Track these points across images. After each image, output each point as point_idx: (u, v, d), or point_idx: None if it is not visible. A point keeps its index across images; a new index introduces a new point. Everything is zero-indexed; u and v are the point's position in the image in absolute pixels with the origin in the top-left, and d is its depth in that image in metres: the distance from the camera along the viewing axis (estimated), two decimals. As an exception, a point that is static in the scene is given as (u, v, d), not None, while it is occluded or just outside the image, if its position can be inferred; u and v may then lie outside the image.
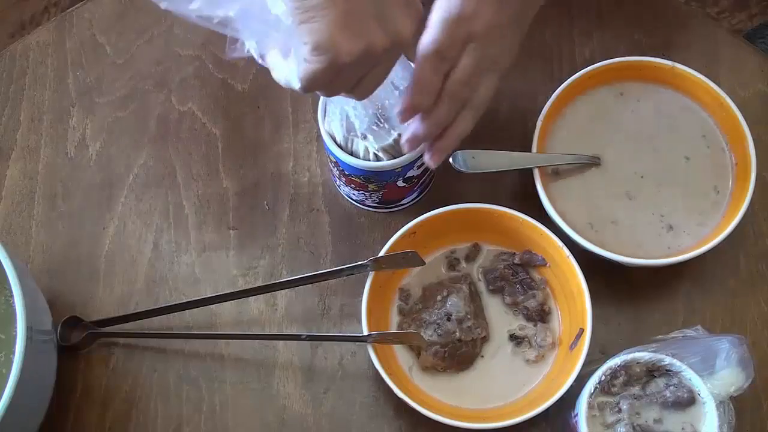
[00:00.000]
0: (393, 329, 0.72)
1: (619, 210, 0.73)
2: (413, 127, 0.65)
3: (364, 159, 0.68)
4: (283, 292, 0.74)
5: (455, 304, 0.70)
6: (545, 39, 0.83)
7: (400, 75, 0.65)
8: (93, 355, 0.73)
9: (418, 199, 0.77)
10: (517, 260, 0.72)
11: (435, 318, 0.70)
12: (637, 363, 0.65)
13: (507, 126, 0.79)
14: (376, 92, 0.64)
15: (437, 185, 0.77)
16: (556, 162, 0.74)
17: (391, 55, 0.58)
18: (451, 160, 0.70)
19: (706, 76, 0.74)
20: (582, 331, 0.67)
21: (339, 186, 0.77)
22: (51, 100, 0.83)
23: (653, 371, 0.65)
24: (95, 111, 0.82)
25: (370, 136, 0.67)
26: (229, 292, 0.72)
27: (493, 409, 0.69)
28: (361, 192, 0.74)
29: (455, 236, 0.74)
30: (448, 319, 0.69)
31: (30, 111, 0.82)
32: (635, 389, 0.65)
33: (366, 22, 0.54)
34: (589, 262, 0.69)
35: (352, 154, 0.69)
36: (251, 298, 0.74)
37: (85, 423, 0.70)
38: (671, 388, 0.64)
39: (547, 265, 0.72)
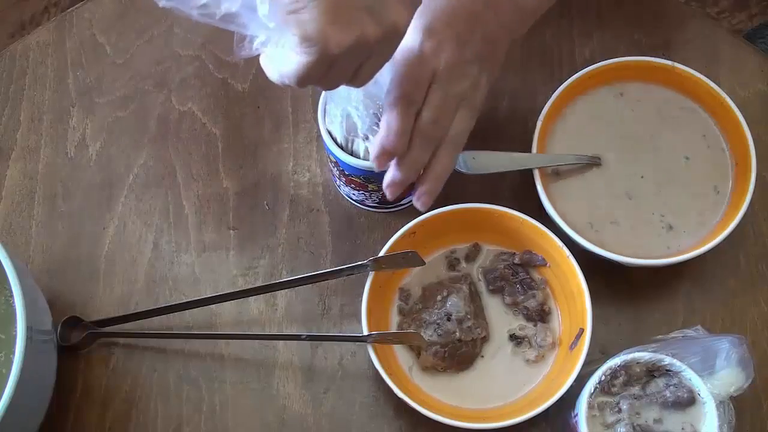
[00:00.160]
0: (393, 329, 0.72)
1: (619, 210, 0.73)
2: (390, 173, 0.65)
3: (364, 159, 0.68)
4: (283, 292, 0.74)
5: (455, 304, 0.70)
6: (545, 39, 0.83)
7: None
8: (93, 355, 0.72)
9: (418, 199, 0.77)
10: (517, 260, 0.72)
11: (435, 318, 0.70)
12: (637, 363, 0.65)
13: (507, 126, 0.79)
14: (376, 92, 0.64)
15: (437, 185, 0.77)
16: (556, 162, 0.74)
17: (386, 46, 0.56)
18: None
19: (706, 76, 0.74)
20: (582, 331, 0.67)
21: (339, 186, 0.76)
22: (51, 100, 0.83)
23: (653, 371, 0.65)
24: (95, 111, 0.82)
25: (371, 137, 0.67)
26: (229, 292, 0.72)
27: (493, 409, 0.69)
28: (361, 192, 0.74)
29: (455, 236, 0.74)
30: (448, 319, 0.69)
31: (30, 111, 0.82)
32: (635, 389, 0.65)
33: (357, 12, 0.52)
34: (589, 262, 0.69)
35: (352, 154, 0.69)
36: (251, 298, 0.74)
37: (85, 423, 0.70)
38: (671, 388, 0.64)
39: (547, 265, 0.72)
